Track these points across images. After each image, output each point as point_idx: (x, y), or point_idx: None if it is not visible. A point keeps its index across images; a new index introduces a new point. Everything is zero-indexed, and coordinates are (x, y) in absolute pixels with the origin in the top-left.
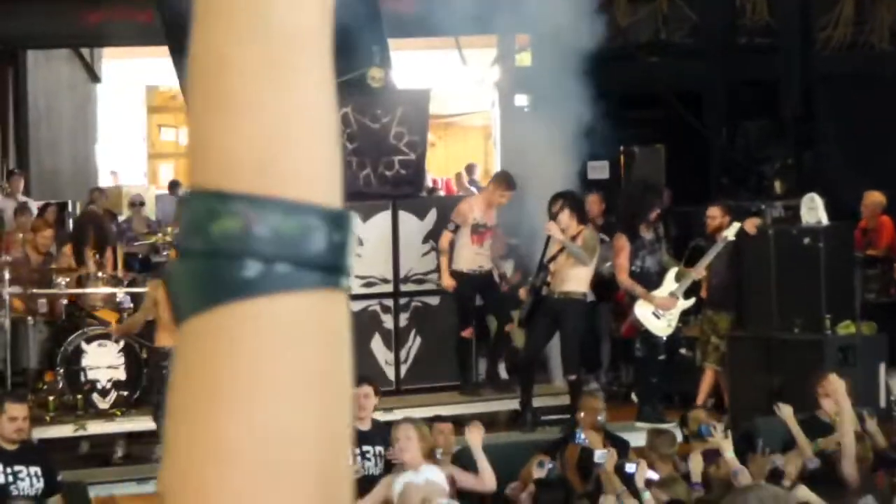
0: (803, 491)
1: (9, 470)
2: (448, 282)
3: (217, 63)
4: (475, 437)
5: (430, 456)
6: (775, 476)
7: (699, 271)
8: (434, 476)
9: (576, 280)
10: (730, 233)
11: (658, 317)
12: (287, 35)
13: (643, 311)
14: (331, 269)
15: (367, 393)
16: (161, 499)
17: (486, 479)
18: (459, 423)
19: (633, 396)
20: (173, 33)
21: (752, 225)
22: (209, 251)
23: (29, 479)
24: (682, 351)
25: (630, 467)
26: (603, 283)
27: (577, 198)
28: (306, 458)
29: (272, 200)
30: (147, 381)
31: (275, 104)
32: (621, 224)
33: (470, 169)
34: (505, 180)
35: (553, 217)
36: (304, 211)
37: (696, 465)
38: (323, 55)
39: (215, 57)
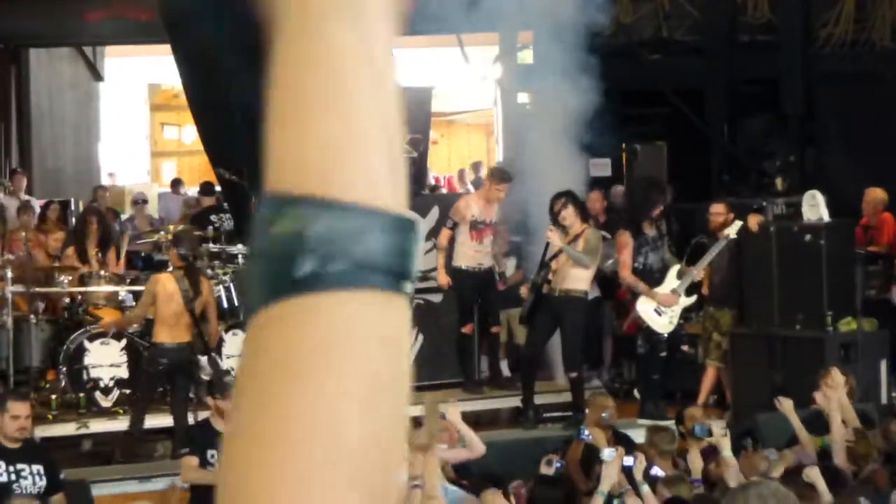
0: (814, 472)
1: (11, 468)
2: (443, 279)
3: (287, 77)
4: (454, 413)
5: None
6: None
7: (700, 270)
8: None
9: (577, 278)
10: (731, 231)
11: (660, 314)
12: (347, 51)
13: (645, 308)
14: (389, 272)
15: None
16: (224, 480)
17: (475, 447)
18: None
19: (636, 393)
20: (174, 32)
21: (754, 221)
22: (270, 250)
23: (31, 478)
24: (684, 348)
25: (628, 460)
26: (605, 281)
27: (578, 196)
28: (360, 463)
29: (330, 202)
30: (144, 376)
31: (336, 113)
32: (624, 220)
33: (476, 166)
34: (498, 174)
35: (555, 216)
36: (360, 213)
37: (695, 462)
38: (387, 72)
39: (286, 71)
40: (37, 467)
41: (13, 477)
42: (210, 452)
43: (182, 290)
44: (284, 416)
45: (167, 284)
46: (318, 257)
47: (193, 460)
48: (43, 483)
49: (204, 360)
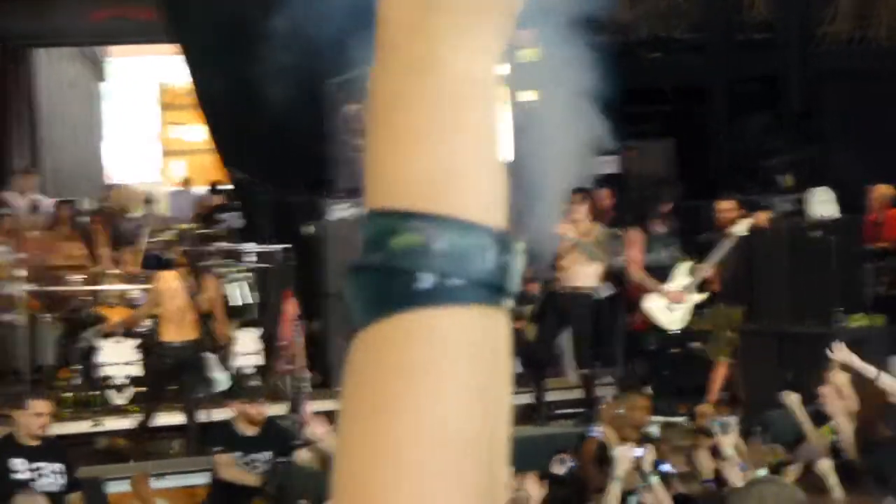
0: (825, 465)
1: (32, 466)
2: None
3: (397, 98)
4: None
5: None
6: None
7: (709, 267)
8: None
9: (585, 275)
10: (739, 229)
11: (669, 310)
12: (460, 82)
13: (654, 305)
14: (497, 288)
15: None
16: (334, 498)
17: None
18: None
19: (647, 390)
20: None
21: (763, 218)
22: (389, 264)
23: (51, 476)
24: (695, 344)
25: (638, 451)
26: (615, 277)
27: (591, 193)
28: (470, 465)
29: (450, 219)
30: (152, 374)
31: (451, 134)
32: (633, 218)
33: None
34: None
35: (571, 212)
36: (478, 231)
37: (704, 461)
38: (492, 96)
39: (396, 93)
40: (57, 465)
41: (34, 475)
42: (236, 454)
43: (185, 288)
44: (405, 412)
45: (170, 282)
46: (439, 272)
47: (227, 458)
48: (63, 482)
49: (212, 357)
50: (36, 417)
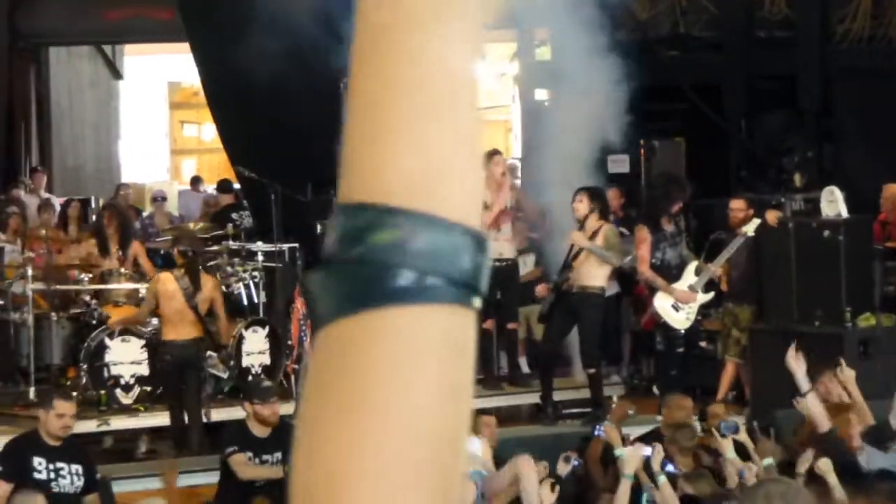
0: (825, 465)
1: (51, 466)
2: None
3: (382, 99)
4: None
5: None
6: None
7: (718, 266)
8: (475, 448)
9: (594, 275)
10: (749, 229)
11: (677, 309)
12: (440, 79)
13: (663, 304)
14: (471, 288)
15: None
16: (297, 492)
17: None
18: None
19: (654, 389)
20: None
21: (772, 217)
22: (367, 259)
23: (70, 477)
24: (703, 344)
25: (647, 450)
26: (623, 277)
27: (600, 192)
28: (433, 458)
29: (432, 218)
30: (158, 374)
31: (431, 134)
32: (643, 216)
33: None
34: (488, 153)
35: (575, 210)
36: (458, 230)
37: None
38: (474, 93)
39: (379, 95)
40: (76, 467)
41: (53, 475)
42: (248, 454)
43: (182, 289)
44: (375, 411)
45: (167, 283)
46: (418, 270)
47: (243, 457)
48: (80, 483)
49: (214, 356)
50: (59, 418)
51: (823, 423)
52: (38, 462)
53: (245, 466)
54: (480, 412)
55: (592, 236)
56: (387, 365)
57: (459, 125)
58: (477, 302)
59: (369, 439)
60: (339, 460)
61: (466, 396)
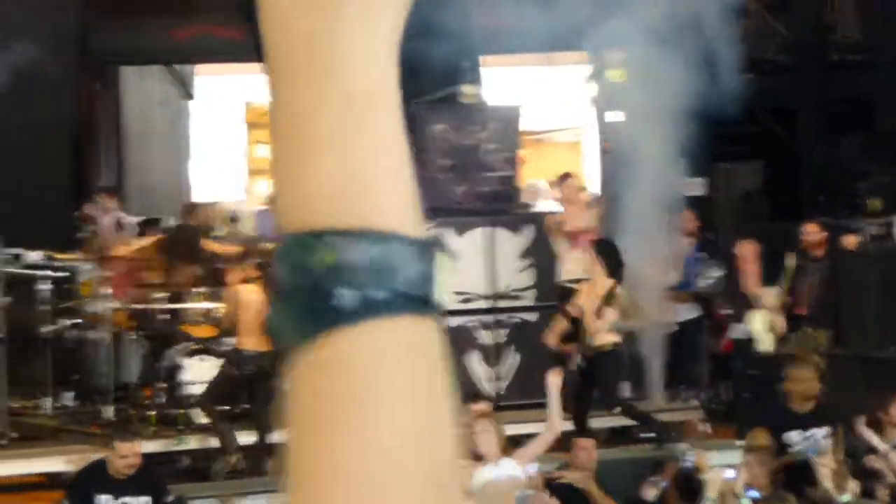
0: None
1: (118, 501)
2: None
3: (295, 106)
4: (554, 382)
5: (505, 449)
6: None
7: (781, 293)
8: (512, 470)
9: (607, 332)
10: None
11: (766, 331)
12: (362, 88)
13: (756, 326)
14: (420, 295)
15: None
16: None
17: (555, 424)
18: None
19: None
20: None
21: (851, 242)
22: (306, 285)
23: None
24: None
25: (730, 472)
26: (702, 301)
27: (610, 246)
28: (417, 469)
29: (364, 231)
30: (222, 379)
31: (354, 145)
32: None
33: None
34: (559, 176)
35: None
36: (392, 240)
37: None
38: (393, 100)
39: (296, 109)
40: (144, 499)
41: None
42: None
43: (256, 301)
44: (349, 434)
45: (242, 294)
46: (358, 287)
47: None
48: None
49: None
50: (121, 459)
51: None
52: (105, 499)
53: None
54: (575, 435)
55: (608, 300)
56: (350, 388)
57: (381, 134)
58: (435, 309)
59: (345, 462)
60: (320, 489)
61: (440, 403)
